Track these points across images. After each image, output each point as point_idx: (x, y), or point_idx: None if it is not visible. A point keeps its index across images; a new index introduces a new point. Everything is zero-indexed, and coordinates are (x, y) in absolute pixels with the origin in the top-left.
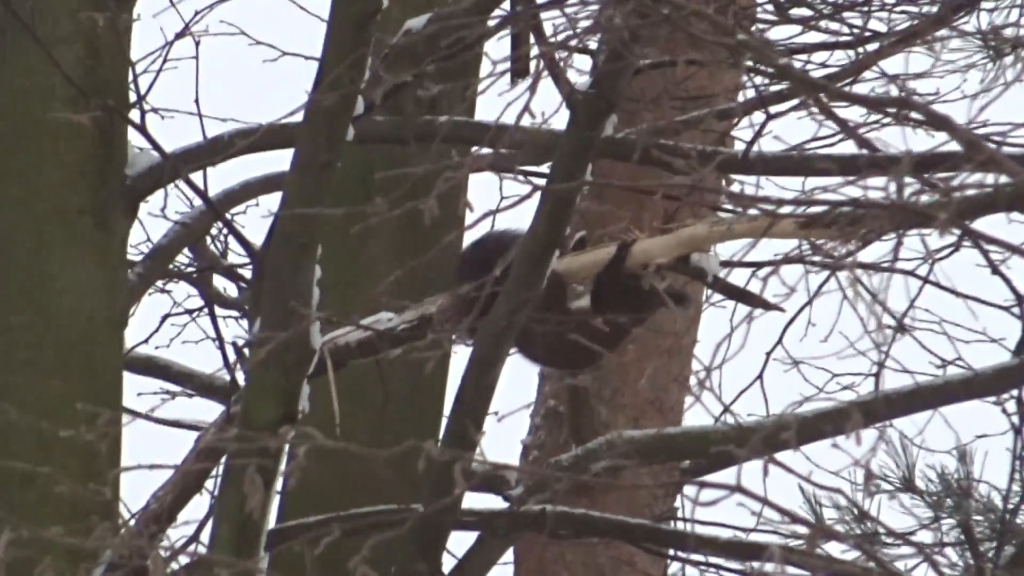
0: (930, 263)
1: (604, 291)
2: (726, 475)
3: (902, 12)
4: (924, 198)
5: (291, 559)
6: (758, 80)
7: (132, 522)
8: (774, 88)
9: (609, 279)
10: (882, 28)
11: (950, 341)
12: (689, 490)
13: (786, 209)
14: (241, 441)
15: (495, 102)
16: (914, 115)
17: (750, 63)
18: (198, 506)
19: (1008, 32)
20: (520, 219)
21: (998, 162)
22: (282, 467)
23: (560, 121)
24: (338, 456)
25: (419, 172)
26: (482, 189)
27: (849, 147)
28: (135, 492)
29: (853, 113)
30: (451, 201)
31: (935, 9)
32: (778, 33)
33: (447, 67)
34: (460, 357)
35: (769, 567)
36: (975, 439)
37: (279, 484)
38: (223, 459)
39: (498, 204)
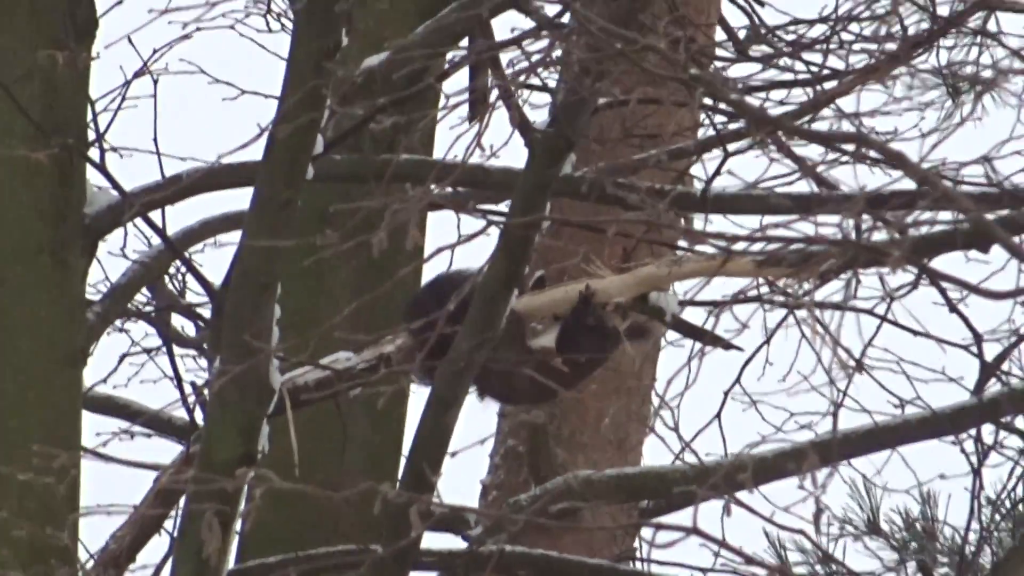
0: (888, 302)
1: (570, 335)
2: (687, 514)
3: (861, 50)
4: (879, 235)
5: None
6: (716, 118)
7: (90, 564)
8: (732, 126)
9: (575, 323)
10: (840, 66)
11: (908, 380)
12: (647, 532)
13: (741, 245)
14: (199, 483)
15: (454, 141)
16: (870, 152)
17: (707, 100)
18: (158, 546)
19: (966, 70)
20: (478, 256)
21: (952, 198)
22: (241, 507)
23: (518, 158)
24: (297, 496)
25: (373, 206)
26: (440, 227)
27: (806, 185)
28: (94, 531)
29: (811, 152)
30: (405, 237)
31: (893, 47)
32: (737, 71)
33: (404, 104)
34: (419, 397)
35: None
36: (936, 478)
37: (238, 524)
38: (182, 500)
39: (456, 239)
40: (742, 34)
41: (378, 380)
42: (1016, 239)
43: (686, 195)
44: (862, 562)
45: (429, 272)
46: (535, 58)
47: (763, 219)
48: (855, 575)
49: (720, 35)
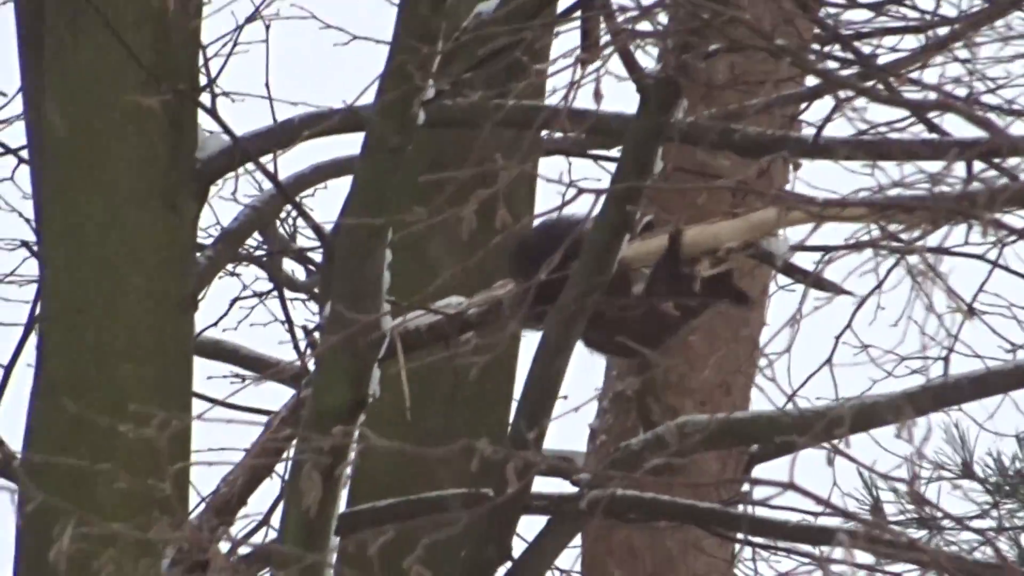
0: (999, 247)
1: (655, 278)
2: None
3: None
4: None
5: (361, 542)
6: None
7: (201, 508)
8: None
9: (661, 267)
10: (952, 12)
11: (1020, 325)
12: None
13: (832, 211)
14: (305, 432)
15: (569, 87)
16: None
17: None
18: (269, 491)
19: None
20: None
21: None
22: (352, 454)
23: (629, 105)
24: (408, 439)
25: (463, 177)
26: (552, 170)
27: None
28: (208, 476)
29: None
30: (517, 191)
31: None
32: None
33: (516, 51)
34: (529, 342)
35: (837, 552)
36: None
37: (348, 470)
38: (293, 444)
39: (565, 190)
40: None
41: (492, 328)
42: None
43: (799, 140)
44: (956, 505)
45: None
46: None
47: (875, 167)
48: (950, 517)
49: None
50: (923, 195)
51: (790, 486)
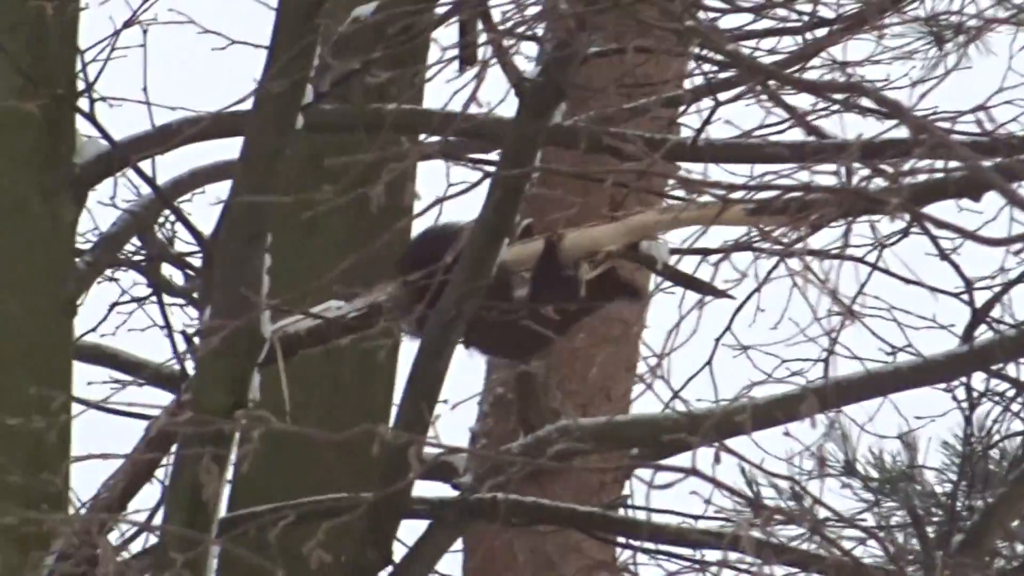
0: (879, 249)
1: (539, 282)
2: (678, 460)
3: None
4: (873, 184)
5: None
6: (706, 67)
7: (83, 511)
8: (722, 75)
9: (544, 271)
10: (830, 15)
11: (900, 328)
12: (643, 474)
13: (737, 195)
14: (195, 425)
15: (444, 89)
16: (865, 102)
17: (698, 50)
18: (149, 495)
19: (950, 19)
20: (468, 207)
21: (949, 147)
22: (232, 456)
23: (508, 108)
24: (287, 446)
25: (367, 159)
26: (430, 177)
27: (798, 134)
28: (85, 481)
29: (801, 101)
30: (399, 190)
31: None
32: (726, 21)
33: (395, 55)
34: (409, 346)
35: (715, 555)
36: (921, 425)
37: (229, 473)
38: (174, 447)
39: (445, 191)
40: None
41: (374, 334)
42: (1012, 186)
43: (678, 144)
44: (838, 503)
45: (419, 226)
46: (527, 10)
47: (753, 168)
48: (838, 516)
49: None
50: (827, 187)
51: (692, 471)
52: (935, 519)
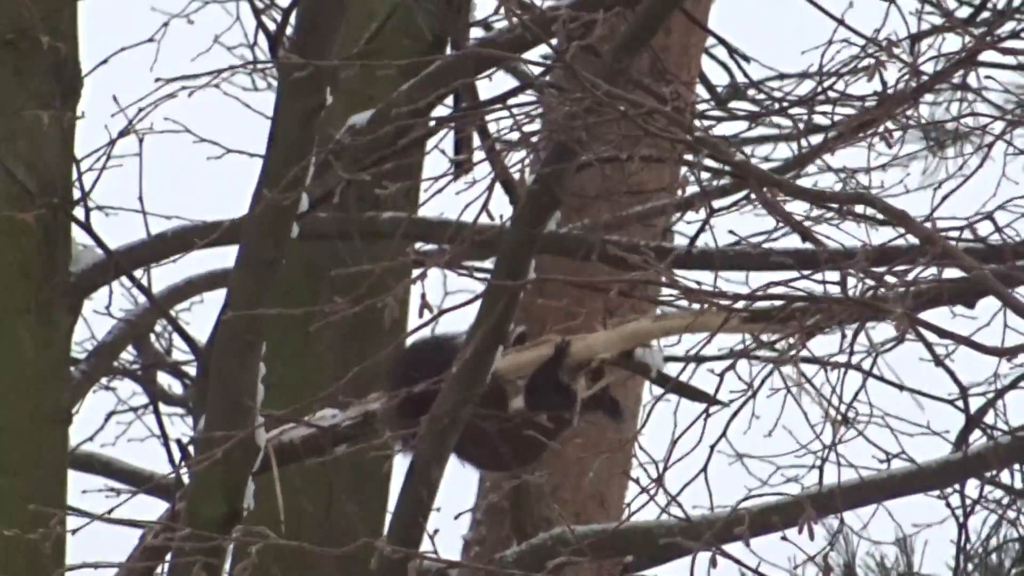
0: (874, 356)
1: (537, 390)
2: (673, 568)
3: (846, 105)
4: (875, 292)
5: None
6: (701, 175)
7: None
8: (716, 183)
9: (543, 379)
10: (825, 122)
11: (893, 434)
12: None
13: (741, 304)
14: (191, 539)
15: (439, 196)
16: (869, 211)
17: (692, 158)
18: None
19: (949, 125)
20: (465, 311)
21: (955, 256)
22: (226, 567)
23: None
24: (281, 559)
25: (375, 270)
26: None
27: (793, 241)
28: None
29: (796, 207)
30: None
31: (877, 104)
32: (722, 128)
33: (391, 161)
34: (402, 456)
35: None
36: (917, 531)
37: None
38: (168, 557)
39: (441, 300)
40: (722, 90)
41: (364, 441)
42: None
43: (676, 252)
44: None
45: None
46: (521, 120)
47: (748, 276)
48: None
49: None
50: (831, 296)
51: None
52: None
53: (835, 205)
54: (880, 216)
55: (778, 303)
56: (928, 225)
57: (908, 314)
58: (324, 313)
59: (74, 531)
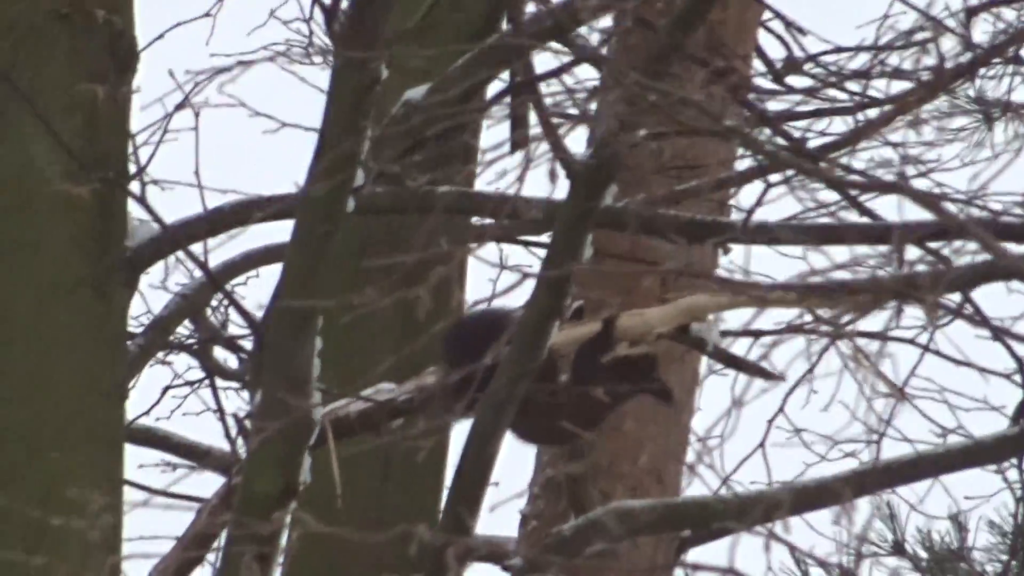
0: (930, 331)
1: (585, 367)
2: (727, 544)
3: (902, 78)
4: (920, 268)
5: None
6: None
7: None
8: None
9: (588, 354)
10: (880, 96)
11: (950, 409)
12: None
13: (775, 295)
14: (237, 525)
15: (494, 172)
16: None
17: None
18: None
19: (1000, 99)
20: (521, 287)
21: (987, 244)
22: (283, 541)
23: (559, 191)
24: (338, 528)
25: (411, 260)
26: (478, 262)
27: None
28: (136, 565)
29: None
30: (448, 285)
31: (933, 77)
32: (777, 103)
33: (446, 138)
34: (459, 430)
35: None
36: (972, 507)
37: (280, 560)
38: (223, 534)
39: (497, 276)
40: (780, 63)
41: (422, 422)
42: None
43: (728, 225)
44: None
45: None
46: (576, 94)
47: (805, 250)
48: None
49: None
50: (867, 278)
51: (729, 571)
52: None
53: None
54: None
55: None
56: (963, 211)
57: (939, 303)
58: (357, 305)
59: (136, 506)
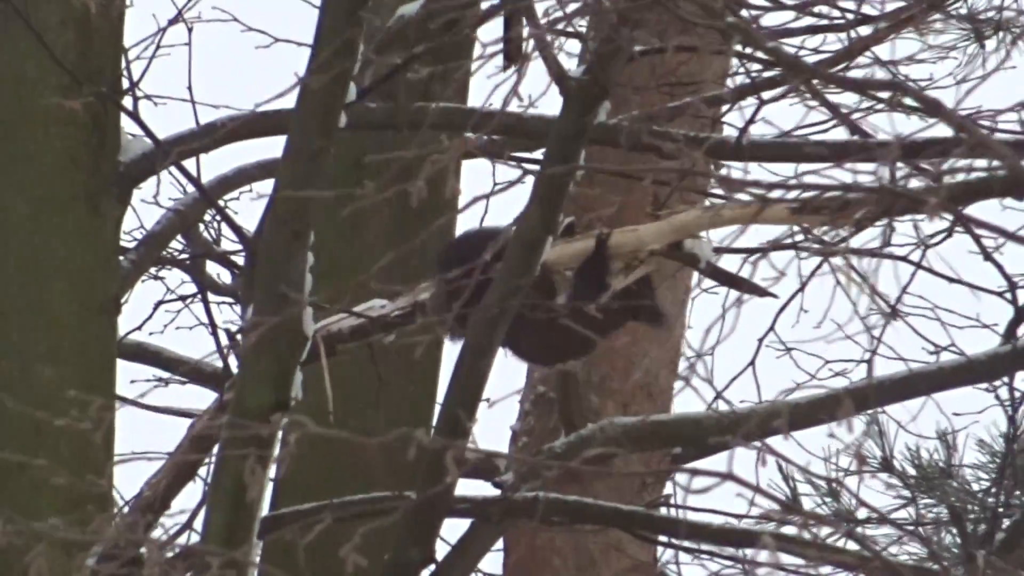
0: (923, 249)
1: (584, 285)
2: (718, 460)
3: None
4: (915, 183)
5: (284, 546)
6: (751, 66)
7: (126, 511)
8: (766, 74)
9: (589, 274)
10: (874, 13)
11: (943, 327)
12: (681, 478)
13: (776, 193)
14: (233, 428)
15: (488, 88)
16: (906, 100)
17: (741, 49)
18: (192, 494)
19: (990, 15)
20: (512, 205)
21: (988, 146)
22: (275, 454)
23: (551, 106)
24: (330, 444)
25: (408, 156)
26: (475, 176)
27: (840, 133)
28: (127, 480)
29: (845, 99)
30: (442, 186)
31: None
32: (770, 19)
33: (438, 52)
34: (451, 347)
35: (761, 555)
36: (963, 427)
37: (273, 471)
38: (217, 447)
39: (492, 189)
40: None
41: (413, 329)
42: None
43: (721, 143)
44: (877, 499)
45: (463, 222)
46: (570, 7)
47: (798, 167)
48: (876, 512)
49: None
50: (866, 184)
51: (728, 476)
52: (972, 516)
53: (871, 93)
54: (916, 105)
55: (814, 192)
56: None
57: (943, 204)
58: (357, 198)
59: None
